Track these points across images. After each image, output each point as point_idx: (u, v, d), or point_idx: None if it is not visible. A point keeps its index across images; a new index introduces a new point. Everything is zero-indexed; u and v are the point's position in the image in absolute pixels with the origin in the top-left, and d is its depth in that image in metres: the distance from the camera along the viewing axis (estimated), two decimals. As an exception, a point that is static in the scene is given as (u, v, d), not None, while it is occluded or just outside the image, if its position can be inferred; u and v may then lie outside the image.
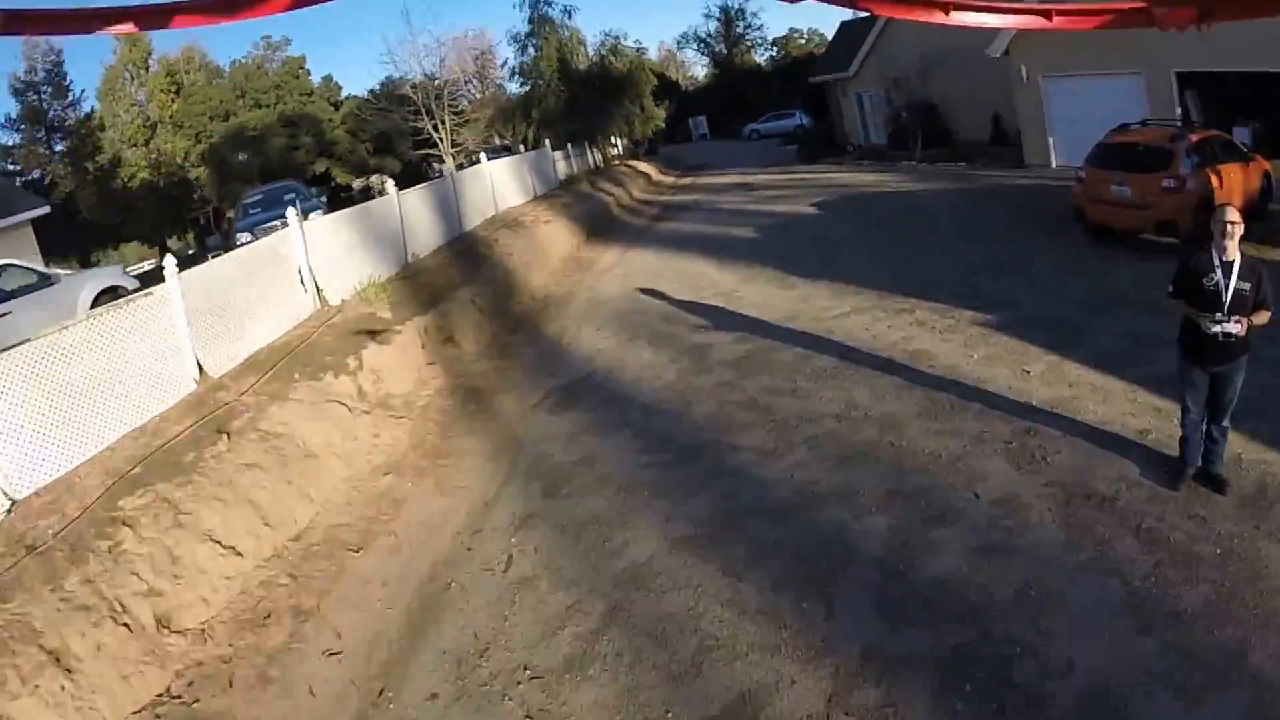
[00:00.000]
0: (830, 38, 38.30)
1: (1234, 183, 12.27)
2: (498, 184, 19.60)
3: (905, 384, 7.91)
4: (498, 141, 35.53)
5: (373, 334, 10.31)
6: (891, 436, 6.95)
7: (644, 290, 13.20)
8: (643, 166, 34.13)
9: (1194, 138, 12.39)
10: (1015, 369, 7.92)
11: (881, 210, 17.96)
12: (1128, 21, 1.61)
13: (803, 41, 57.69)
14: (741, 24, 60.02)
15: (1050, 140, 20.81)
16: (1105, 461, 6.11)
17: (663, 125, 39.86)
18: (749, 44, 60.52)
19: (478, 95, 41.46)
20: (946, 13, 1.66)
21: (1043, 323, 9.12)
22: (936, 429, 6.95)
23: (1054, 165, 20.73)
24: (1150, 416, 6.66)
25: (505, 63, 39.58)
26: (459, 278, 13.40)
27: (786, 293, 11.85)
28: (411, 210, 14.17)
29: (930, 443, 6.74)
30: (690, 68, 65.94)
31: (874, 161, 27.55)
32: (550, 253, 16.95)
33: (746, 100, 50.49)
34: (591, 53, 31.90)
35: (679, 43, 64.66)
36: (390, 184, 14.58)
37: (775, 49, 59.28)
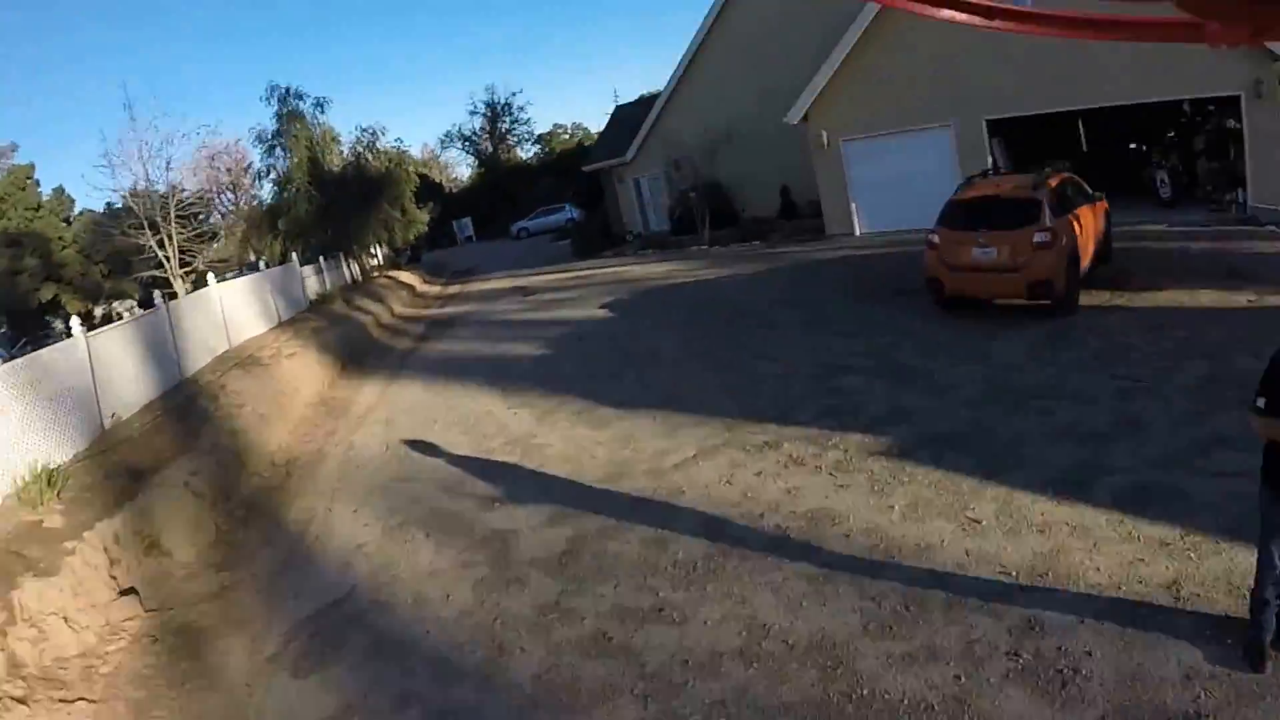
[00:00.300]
0: (598, 131, 37.60)
1: (1089, 227, 11.62)
2: (231, 311, 16.22)
3: (821, 574, 5.59)
4: (253, 258, 31.42)
5: (29, 561, 7.06)
6: (841, 684, 4.53)
7: (413, 443, 10.36)
8: (405, 276, 31.37)
9: (1053, 183, 11.39)
10: (958, 519, 5.99)
11: (687, 306, 16.35)
12: (1175, 36, 1.35)
13: (566, 137, 57.70)
14: (508, 119, 59.27)
15: (853, 207, 20.62)
16: (1153, 653, 4.26)
17: (426, 229, 37.47)
18: (514, 139, 59.81)
19: (231, 208, 37.09)
20: (990, 17, 1.45)
21: (954, 439, 7.39)
22: (901, 653, 4.67)
23: (858, 233, 20.50)
24: (1164, 558, 5.02)
25: (250, 166, 35.65)
26: (173, 446, 10.07)
27: (601, 433, 9.38)
28: (108, 355, 10.66)
29: (903, 681, 4.45)
30: (453, 168, 64.16)
31: (659, 250, 26.46)
32: (295, 396, 13.77)
33: (513, 198, 49.26)
34: (346, 151, 29.07)
35: (442, 142, 62.76)
36: (76, 323, 11.01)
37: (540, 145, 58.89)
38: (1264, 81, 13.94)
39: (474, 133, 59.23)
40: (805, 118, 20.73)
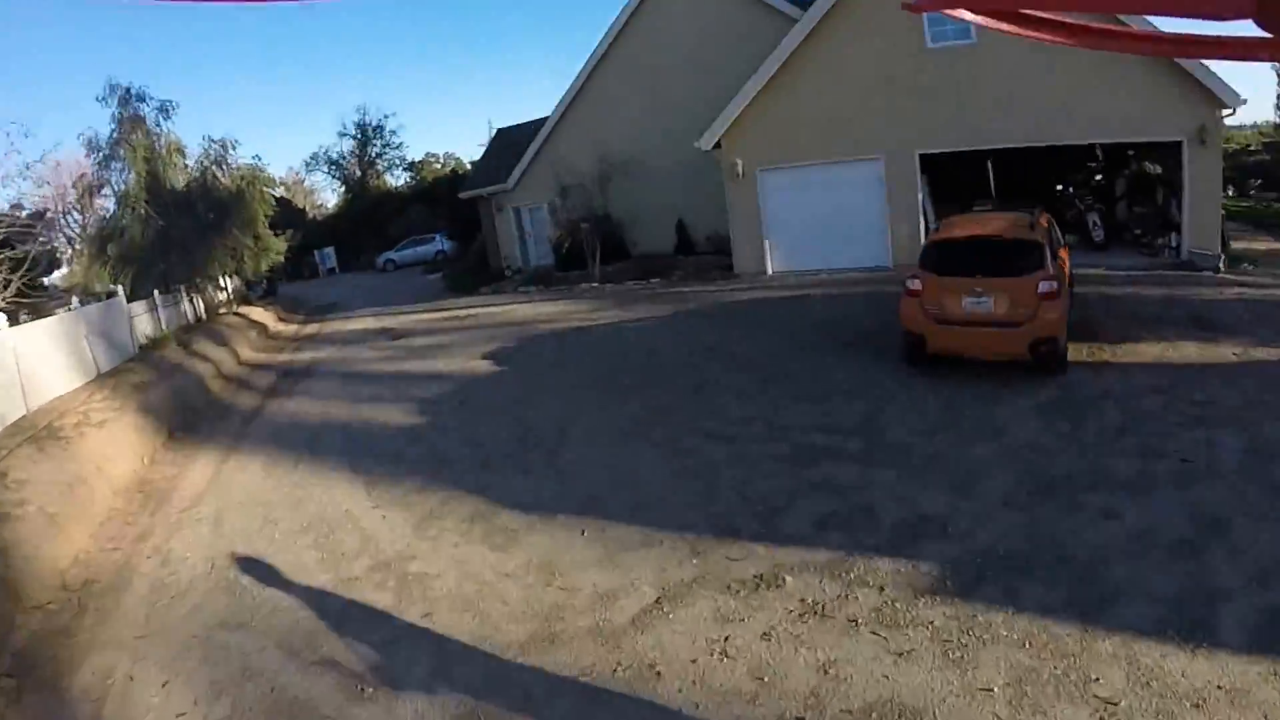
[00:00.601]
0: (472, 162, 35.01)
1: (1065, 273, 10.44)
2: (30, 363, 13.10)
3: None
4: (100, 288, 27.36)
5: None
6: None
7: (247, 561, 7.86)
8: (258, 313, 28.12)
9: (1044, 222, 10.21)
10: (1086, 700, 4.28)
11: (593, 358, 14.26)
12: (1254, 53, 1.29)
13: (439, 165, 54.87)
14: (379, 142, 55.59)
15: (767, 244, 19.26)
16: None
17: (283, 259, 34.13)
18: (385, 165, 56.27)
19: (79, 229, 32.66)
20: (1073, 36, 1.41)
21: (1016, 559, 5.74)
22: None
23: (771, 272, 19.17)
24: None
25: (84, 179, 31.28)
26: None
27: (509, 556, 7.02)
28: None
29: None
30: (319, 193, 59.95)
31: (544, 287, 24.26)
32: (102, 480, 10.97)
33: (382, 227, 46.10)
34: (193, 165, 25.40)
35: (308, 164, 58.42)
36: None
37: (411, 172, 55.74)
38: (1208, 129, 13.57)
39: (342, 156, 55.53)
40: (718, 144, 19.35)
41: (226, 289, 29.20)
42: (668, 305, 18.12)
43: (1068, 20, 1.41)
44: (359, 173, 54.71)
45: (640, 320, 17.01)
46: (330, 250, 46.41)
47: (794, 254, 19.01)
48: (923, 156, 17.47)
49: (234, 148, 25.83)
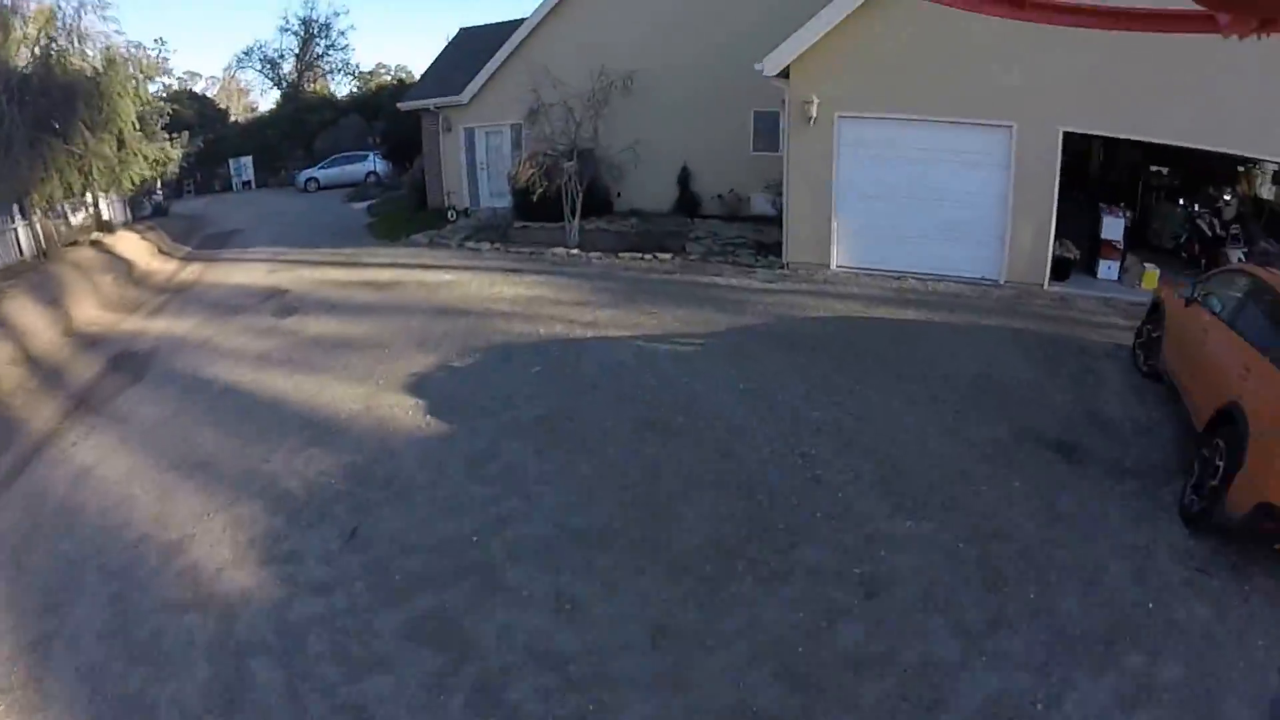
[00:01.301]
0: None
1: None
2: None
3: None
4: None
5: None
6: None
7: None
8: (131, 245, 21.12)
9: None
10: None
11: (615, 429, 7.99)
12: (1191, 27, 1.40)
13: (388, 78, 46.61)
14: (323, 42, 46.48)
15: (834, 226, 13.12)
16: None
17: (171, 170, 26.84)
18: (327, 67, 47.58)
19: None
20: (1023, 7, 1.52)
21: None
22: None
23: (833, 266, 13.26)
24: None
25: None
26: None
27: None
28: None
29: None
30: (250, 93, 50.85)
31: (500, 245, 17.27)
32: None
33: (310, 139, 38.45)
34: (34, 34, 17.87)
35: (240, 59, 49.12)
36: None
37: (356, 82, 47.36)
38: None
39: (280, 54, 46.74)
40: (785, 73, 13.00)
41: (99, 208, 21.97)
42: (704, 310, 11.88)
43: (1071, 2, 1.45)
44: (296, 75, 46.15)
45: (673, 341, 10.66)
46: (247, 161, 38.52)
47: (869, 245, 13.12)
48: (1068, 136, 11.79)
49: (99, 13, 18.47)
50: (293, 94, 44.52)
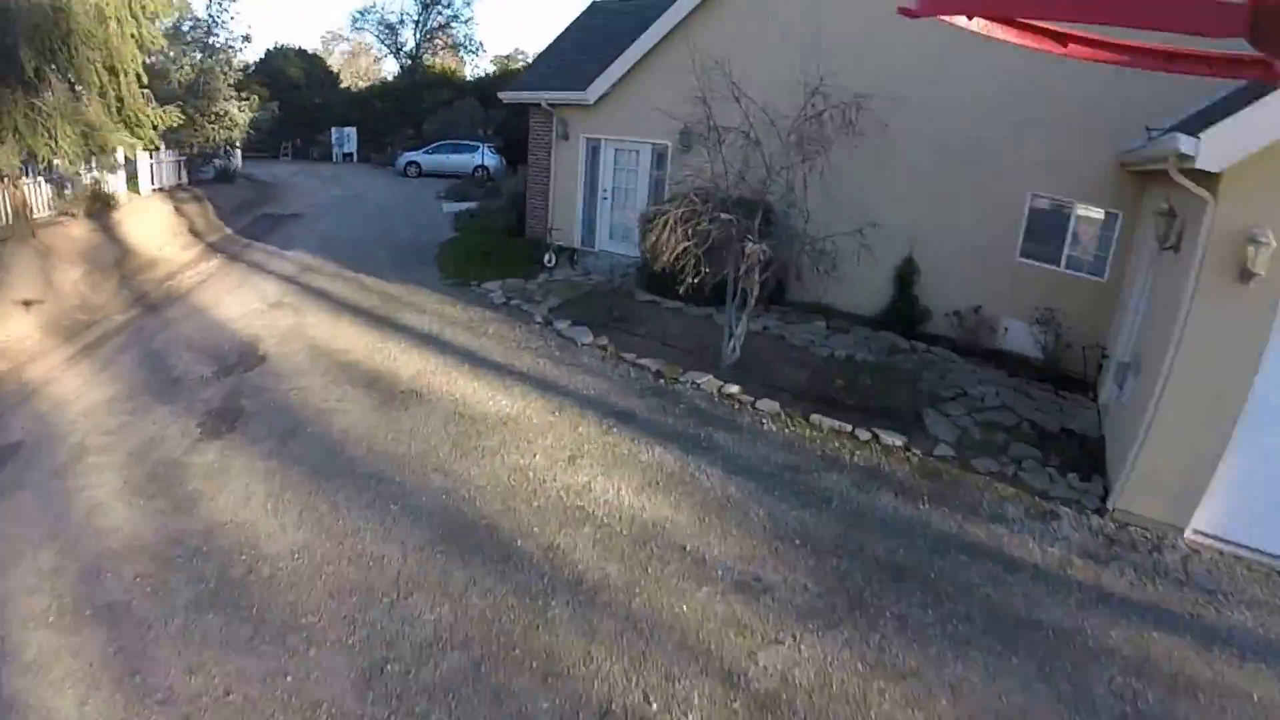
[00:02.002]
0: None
1: None
2: None
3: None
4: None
5: None
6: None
7: None
8: (150, 221, 15.89)
9: None
10: None
11: None
12: (1244, 72, 1.40)
13: (522, 64, 41.15)
14: (446, 11, 41.47)
15: (1227, 458, 6.20)
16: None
17: (235, 136, 21.75)
18: (447, 41, 42.44)
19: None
20: (1064, 44, 1.40)
21: None
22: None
23: (1192, 534, 6.27)
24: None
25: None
26: None
27: None
28: None
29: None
30: (366, 57, 46.33)
31: (606, 345, 10.01)
32: None
33: (420, 118, 33.24)
34: None
35: (355, 20, 44.67)
36: None
37: (490, 65, 41.89)
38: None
39: (399, 20, 41.89)
40: (1195, 172, 6.11)
41: (93, 173, 16.34)
42: (1015, 682, 4.81)
43: (1062, 29, 1.33)
44: (415, 46, 41.13)
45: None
46: (351, 132, 33.57)
47: None
48: None
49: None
50: (410, 66, 39.42)
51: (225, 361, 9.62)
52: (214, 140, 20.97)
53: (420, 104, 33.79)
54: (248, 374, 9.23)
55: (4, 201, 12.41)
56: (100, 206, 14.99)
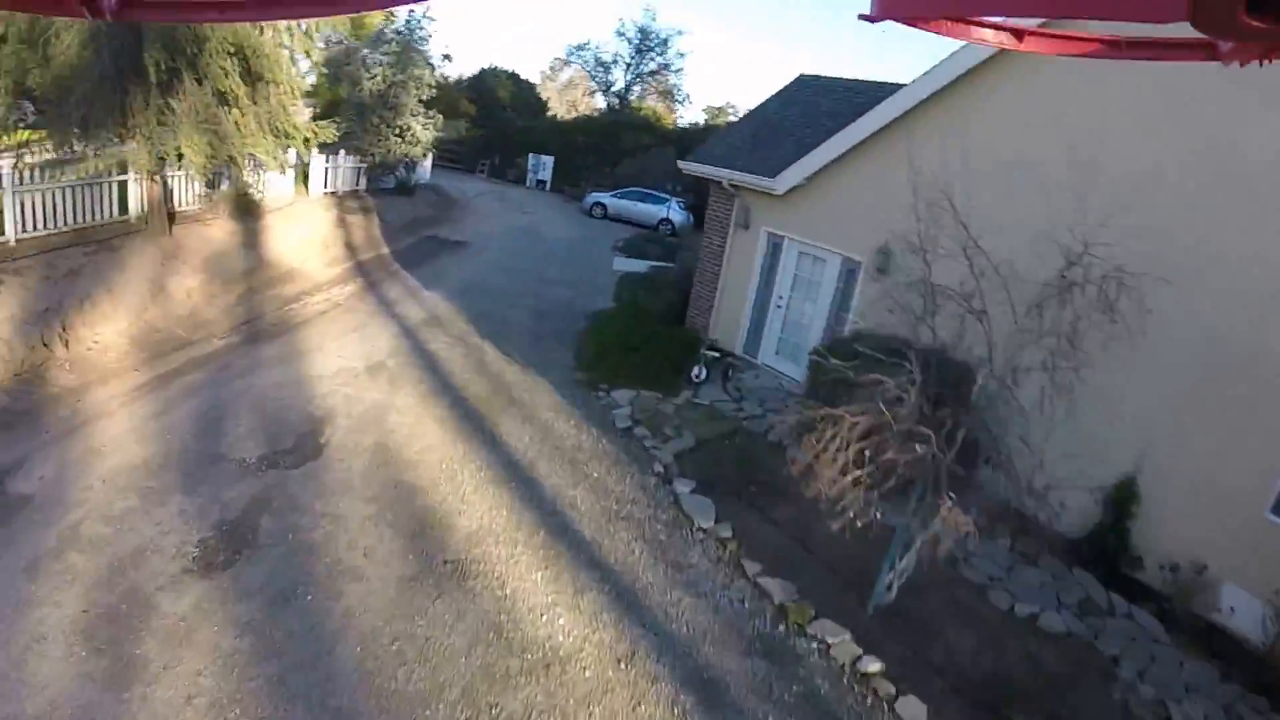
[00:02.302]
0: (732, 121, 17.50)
1: None
2: None
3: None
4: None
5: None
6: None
7: None
8: (304, 228, 14.95)
9: None
10: None
11: None
12: (1190, 56, 1.35)
13: (734, 116, 39.29)
14: (656, 58, 40.23)
15: None
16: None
17: (417, 153, 21.01)
18: (654, 85, 41.21)
19: None
20: (1021, 39, 1.45)
21: None
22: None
23: None
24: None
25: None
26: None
27: None
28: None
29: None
30: (575, 90, 45.72)
31: (728, 539, 7.18)
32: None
33: (619, 157, 32.02)
34: None
35: (571, 52, 44.54)
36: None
37: (701, 113, 40.41)
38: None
39: (614, 59, 41.10)
40: None
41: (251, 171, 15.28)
42: None
43: (1020, 26, 1.35)
44: (623, 85, 40.15)
45: None
46: (548, 161, 32.86)
47: None
48: None
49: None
50: (616, 106, 38.51)
51: (280, 444, 7.92)
52: (395, 153, 20.29)
53: (619, 144, 32.62)
54: (292, 472, 7.45)
55: (141, 195, 11.54)
56: (252, 207, 14.11)
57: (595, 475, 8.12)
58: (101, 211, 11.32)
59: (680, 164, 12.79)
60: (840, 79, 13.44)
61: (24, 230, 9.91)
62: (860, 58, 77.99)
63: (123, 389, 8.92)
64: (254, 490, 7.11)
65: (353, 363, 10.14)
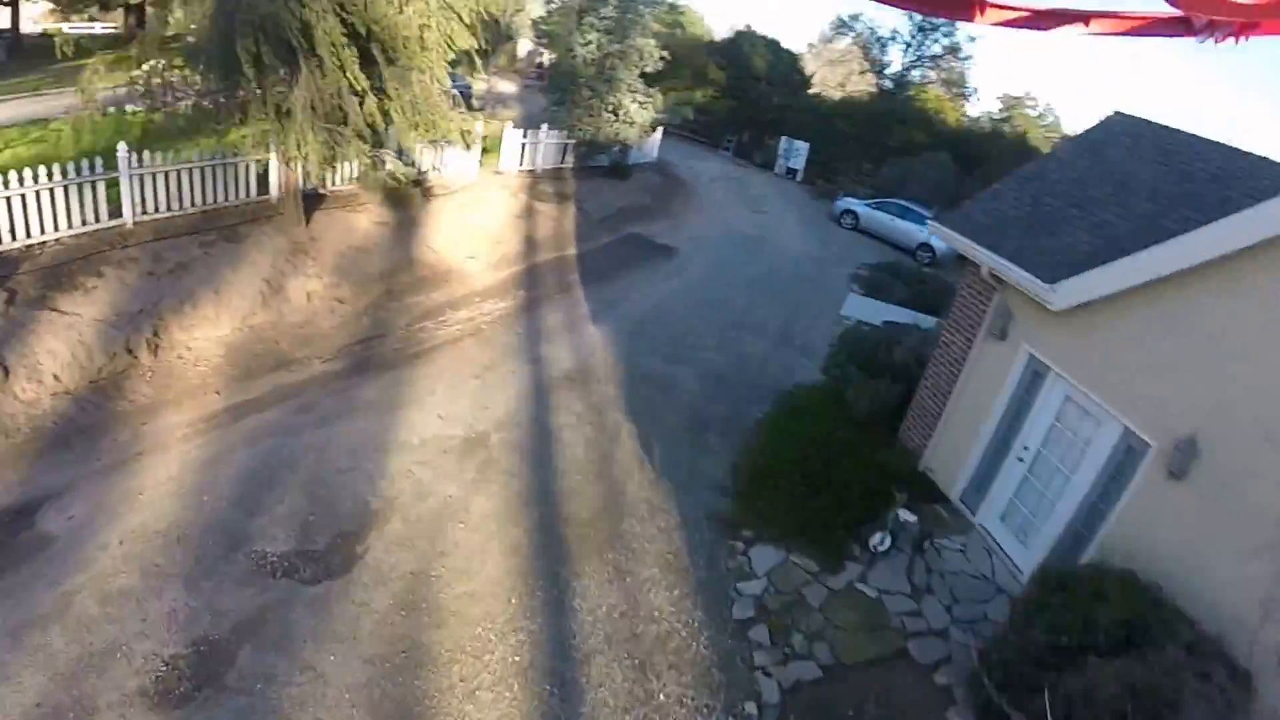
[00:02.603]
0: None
1: None
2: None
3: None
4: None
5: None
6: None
7: None
8: (476, 218, 13.95)
9: None
10: None
11: None
12: (1164, 30, 1.46)
13: (1034, 113, 34.06)
14: (943, 36, 34.11)
15: None
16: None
17: (630, 135, 19.50)
18: (939, 77, 36.29)
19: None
20: (982, 11, 1.58)
21: None
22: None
23: None
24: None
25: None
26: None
27: None
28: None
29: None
30: (861, 72, 41.33)
31: None
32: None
33: (886, 155, 28.65)
34: None
35: (839, 25, 40.42)
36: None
37: (996, 103, 35.40)
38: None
39: (892, 35, 36.57)
40: None
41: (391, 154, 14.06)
42: None
43: (1009, 4, 1.45)
44: (899, 67, 35.56)
45: None
46: (802, 147, 30.12)
47: None
48: None
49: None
50: (889, 92, 34.40)
51: (311, 543, 7.05)
52: (605, 133, 18.95)
53: (886, 139, 29.28)
54: (307, 589, 6.64)
55: (277, 177, 10.90)
56: (414, 191, 13.28)
57: (661, 699, 6.16)
58: (236, 191, 10.95)
59: (930, 225, 10.11)
60: (1179, 132, 9.97)
61: (143, 212, 9.58)
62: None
63: (192, 416, 8.35)
64: (255, 604, 6.27)
65: (452, 430, 8.90)
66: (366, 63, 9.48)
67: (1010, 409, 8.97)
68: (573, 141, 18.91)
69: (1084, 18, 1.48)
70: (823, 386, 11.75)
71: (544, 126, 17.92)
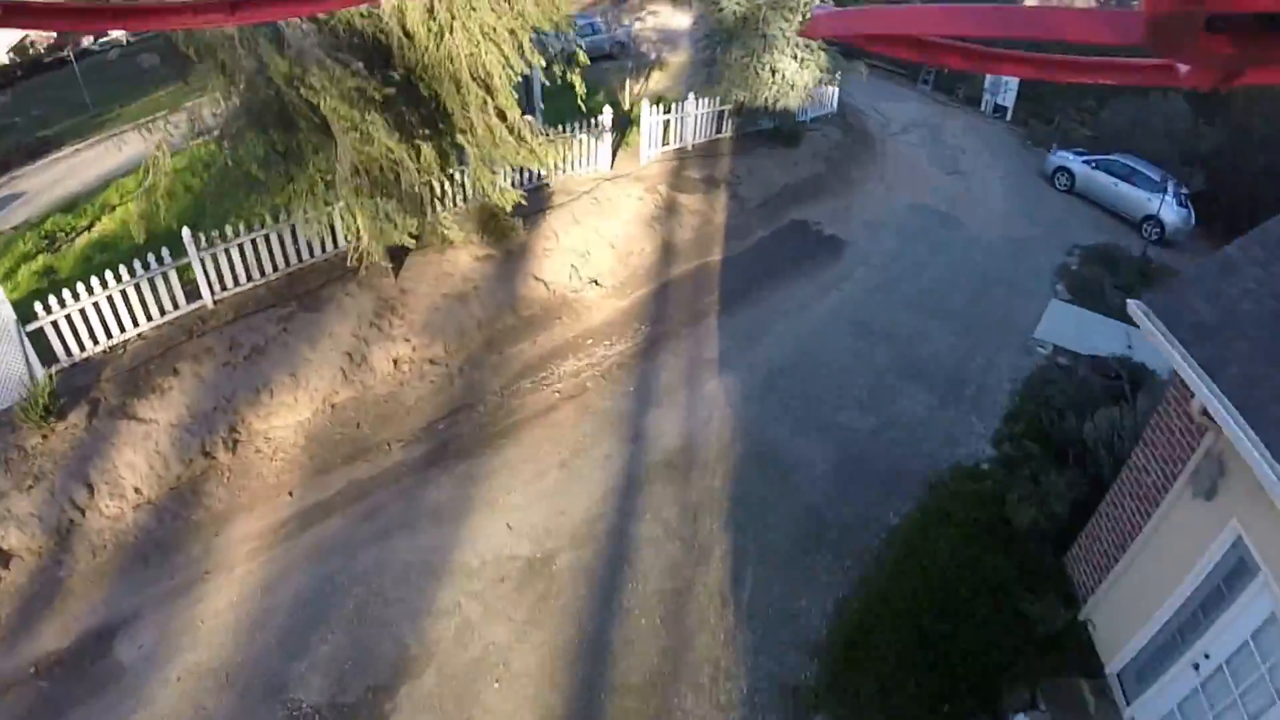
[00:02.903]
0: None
1: None
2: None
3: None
4: None
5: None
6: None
7: None
8: (605, 231, 13.23)
9: None
10: None
11: None
12: (1148, 79, 1.30)
13: None
14: None
15: None
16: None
17: (803, 91, 17.85)
18: None
19: None
20: (968, 59, 1.44)
21: None
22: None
23: None
24: None
25: None
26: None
27: None
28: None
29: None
30: None
31: None
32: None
33: (1105, 95, 24.98)
34: None
35: None
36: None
37: None
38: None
39: None
40: None
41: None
42: None
43: (969, 46, 1.42)
44: None
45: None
46: (1012, 83, 26.72)
47: None
48: None
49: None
50: None
51: (344, 695, 7.41)
52: (762, 98, 17.48)
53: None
54: None
55: (354, 227, 10.76)
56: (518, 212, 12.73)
57: None
58: (315, 247, 10.95)
59: (1130, 308, 8.01)
60: None
61: (222, 289, 9.81)
62: None
63: (261, 525, 8.60)
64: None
65: (518, 547, 8.61)
66: (416, 104, 9.18)
67: (1197, 597, 7.39)
68: (727, 107, 17.63)
69: (1072, 66, 1.59)
70: (985, 474, 10.38)
71: (689, 96, 16.80)
